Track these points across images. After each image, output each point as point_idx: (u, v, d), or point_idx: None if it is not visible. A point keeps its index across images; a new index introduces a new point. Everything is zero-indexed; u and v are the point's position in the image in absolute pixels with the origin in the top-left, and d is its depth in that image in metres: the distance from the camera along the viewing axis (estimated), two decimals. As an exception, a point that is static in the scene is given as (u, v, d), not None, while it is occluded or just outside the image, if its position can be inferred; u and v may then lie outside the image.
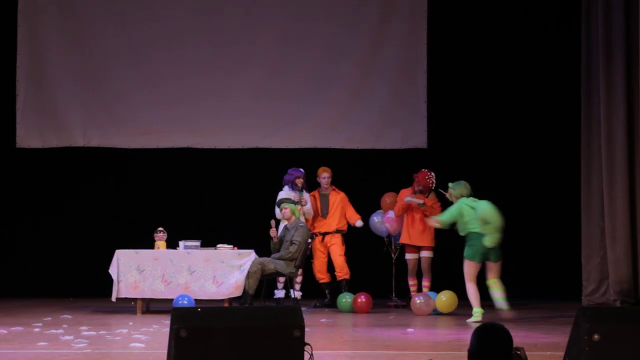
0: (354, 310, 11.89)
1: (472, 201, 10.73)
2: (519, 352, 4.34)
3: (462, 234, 10.76)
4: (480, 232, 10.56)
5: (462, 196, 10.80)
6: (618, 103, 11.82)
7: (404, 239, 12.20)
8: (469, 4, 13.40)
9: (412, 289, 12.24)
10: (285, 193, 12.26)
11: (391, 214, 12.28)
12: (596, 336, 4.83)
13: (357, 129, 13.37)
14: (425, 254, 12.20)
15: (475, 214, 10.60)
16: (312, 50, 13.34)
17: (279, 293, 12.30)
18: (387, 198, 12.51)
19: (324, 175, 12.58)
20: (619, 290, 11.77)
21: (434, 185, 12.07)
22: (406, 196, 12.08)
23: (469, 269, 10.70)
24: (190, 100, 13.36)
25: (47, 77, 13.40)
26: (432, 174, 12.09)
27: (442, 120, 13.35)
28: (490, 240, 10.51)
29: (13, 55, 13.41)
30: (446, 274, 12.67)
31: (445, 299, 11.54)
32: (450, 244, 12.83)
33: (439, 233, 12.21)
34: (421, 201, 11.99)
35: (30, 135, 13.46)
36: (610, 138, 11.87)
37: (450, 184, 10.93)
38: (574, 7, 12.50)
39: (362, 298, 11.89)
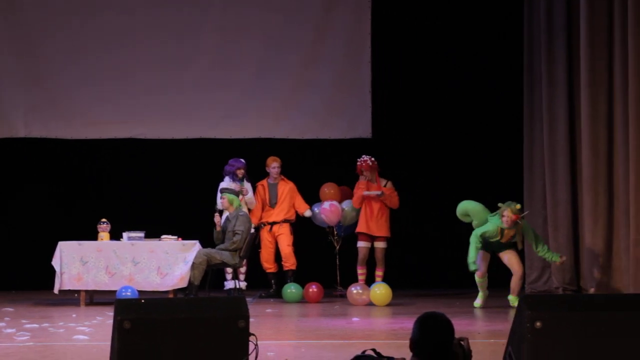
0: (300, 300, 11.88)
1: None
2: (462, 342, 4.37)
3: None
4: None
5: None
6: (559, 94, 11.95)
7: (361, 228, 12.19)
8: (413, -5, 13.46)
9: (361, 277, 12.23)
10: (225, 184, 12.22)
11: (326, 204, 12.28)
12: (538, 323, 4.88)
13: (302, 118, 13.36)
14: (380, 245, 12.21)
15: None
16: (256, 41, 13.28)
17: (229, 284, 12.26)
18: (326, 188, 12.51)
19: (274, 165, 12.56)
20: (560, 277, 11.92)
21: (376, 164, 12.11)
22: (362, 186, 12.12)
23: None
24: (133, 92, 13.24)
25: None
26: (366, 156, 12.12)
27: (387, 110, 13.39)
28: None
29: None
30: (398, 265, 12.74)
31: (379, 292, 11.50)
32: (402, 234, 12.91)
33: (394, 224, 12.28)
34: (379, 192, 12.04)
35: (-31, 126, 13.27)
36: (552, 128, 12.00)
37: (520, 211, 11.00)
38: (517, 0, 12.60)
39: (313, 288, 11.89)
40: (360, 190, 12.15)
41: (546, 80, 12.02)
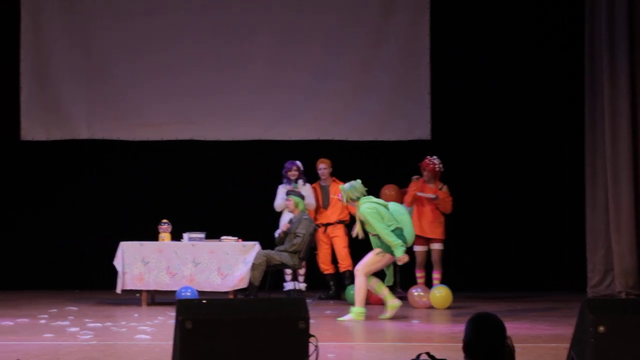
0: (367, 301, 11.82)
1: (375, 199, 10.46)
2: (507, 341, 4.36)
3: (375, 233, 10.24)
4: (400, 227, 10.35)
5: (363, 195, 10.35)
6: (622, 99, 11.79)
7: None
8: (472, -4, 13.39)
9: (420, 281, 12.11)
10: (283, 186, 12.29)
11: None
12: (601, 328, 4.83)
13: (360, 120, 13.35)
14: (436, 246, 12.04)
15: (389, 212, 10.35)
16: (314, 43, 13.31)
17: (288, 285, 12.29)
18: (386, 190, 12.44)
19: (321, 167, 12.58)
20: (624, 282, 11.77)
21: (441, 169, 11.96)
22: (415, 186, 12.01)
23: (380, 264, 10.42)
24: (193, 93, 13.35)
25: (51, 70, 13.39)
26: (435, 158, 11.98)
27: (446, 111, 13.32)
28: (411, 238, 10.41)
29: (16, 49, 13.40)
30: (457, 267, 12.66)
31: (439, 294, 11.42)
32: (462, 236, 12.83)
33: (449, 226, 12.14)
34: (433, 195, 11.88)
35: (34, 128, 13.45)
36: (615, 134, 11.84)
37: (345, 186, 10.42)
38: (579, 3, 12.46)
39: (377, 289, 11.85)
40: (413, 189, 12.03)
41: (608, 89, 11.85)
